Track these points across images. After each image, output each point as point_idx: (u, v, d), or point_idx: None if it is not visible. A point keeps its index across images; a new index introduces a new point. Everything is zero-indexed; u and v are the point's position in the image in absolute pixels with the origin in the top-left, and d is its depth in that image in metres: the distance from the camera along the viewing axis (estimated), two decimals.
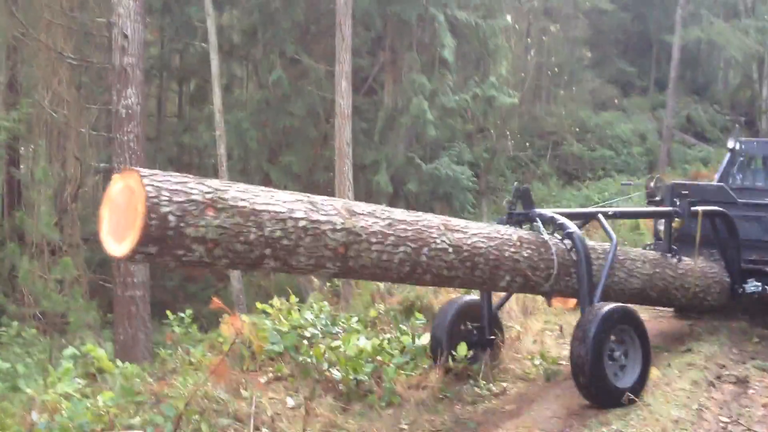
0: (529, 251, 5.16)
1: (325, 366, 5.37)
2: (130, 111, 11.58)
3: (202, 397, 4.50)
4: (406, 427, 4.80)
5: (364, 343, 5.79)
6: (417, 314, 6.78)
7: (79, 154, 14.56)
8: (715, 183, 8.54)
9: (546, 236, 5.38)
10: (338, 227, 4.04)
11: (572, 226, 5.42)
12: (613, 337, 4.96)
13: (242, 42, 18.33)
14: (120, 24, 11.51)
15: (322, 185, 15.98)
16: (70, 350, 5.45)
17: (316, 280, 9.31)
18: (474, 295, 6.06)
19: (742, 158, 8.95)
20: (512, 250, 5.06)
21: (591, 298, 5.18)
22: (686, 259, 6.71)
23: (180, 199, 3.43)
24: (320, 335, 6.07)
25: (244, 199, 3.69)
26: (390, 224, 4.35)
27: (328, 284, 9.88)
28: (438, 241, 4.57)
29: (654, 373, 5.45)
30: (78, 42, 15.34)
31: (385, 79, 17.95)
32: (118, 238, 3.42)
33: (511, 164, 25.42)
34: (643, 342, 5.16)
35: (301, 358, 5.46)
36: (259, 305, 6.63)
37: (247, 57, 19.59)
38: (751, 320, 7.45)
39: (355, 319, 6.88)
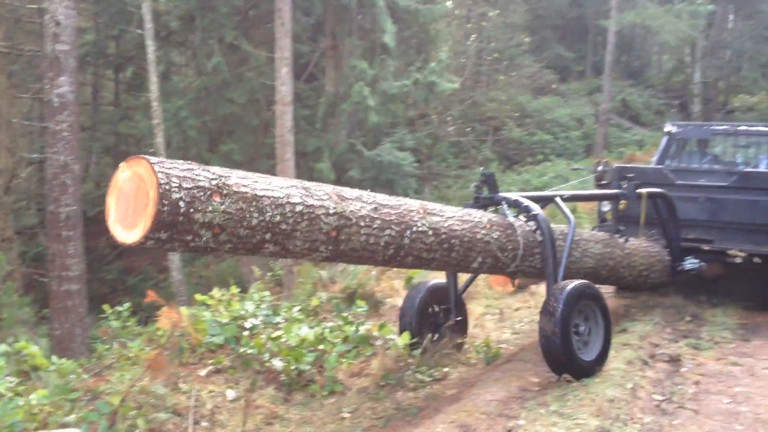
0: (497, 233, 5.35)
1: (266, 357, 5.34)
2: (63, 100, 11.29)
3: (139, 392, 4.43)
4: (347, 415, 4.82)
5: (306, 332, 5.77)
6: (359, 302, 6.79)
7: (10, 145, 14.11)
8: (654, 166, 8.90)
9: (511, 218, 5.59)
10: (331, 211, 4.16)
11: (537, 209, 5.62)
12: (577, 313, 5.18)
13: (180, 28, 17.95)
14: (52, 10, 11.19)
15: (264, 173, 15.79)
16: (1, 348, 5.29)
17: (257, 269, 9.23)
18: (439, 279, 6.20)
19: (677, 141, 9.30)
20: (483, 232, 5.25)
21: (555, 276, 5.40)
22: (632, 239, 7.01)
23: (188, 186, 3.51)
24: (261, 325, 6.03)
25: (245, 185, 3.80)
26: (375, 208, 4.49)
27: (269, 273, 9.81)
28: (419, 224, 4.73)
29: None
30: (8, 29, 14.86)
31: (327, 66, 17.84)
32: (128, 225, 3.50)
33: (453, 149, 25.59)
34: (604, 316, 5.41)
35: (241, 350, 5.41)
36: (198, 297, 6.56)
37: (185, 43, 19.20)
38: (685, 298, 7.71)
39: (297, 308, 6.84)
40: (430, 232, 4.80)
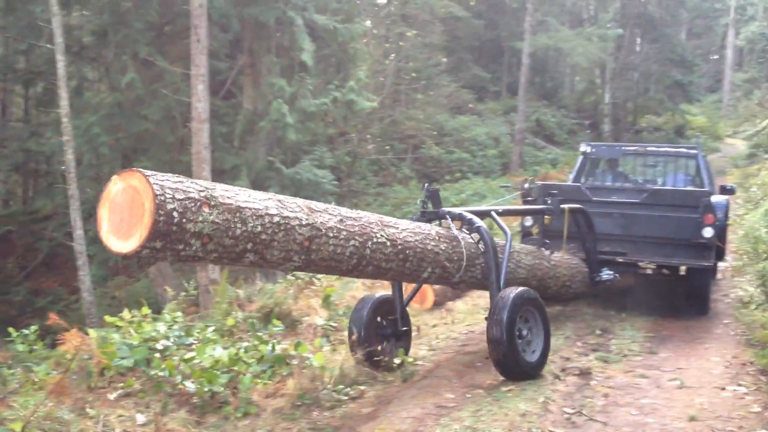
0: (444, 245, 5.68)
1: (179, 379, 5.22)
2: None
3: (43, 418, 4.26)
4: None
5: (220, 353, 5.68)
6: (275, 321, 6.73)
7: None
8: (573, 183, 9.50)
9: (455, 231, 5.92)
10: (304, 222, 4.41)
11: (480, 222, 5.97)
12: (520, 318, 5.55)
13: (92, 43, 17.48)
14: None
15: None
16: None
17: (170, 290, 9.03)
18: (384, 292, 6.52)
19: (591, 160, 10.10)
20: (433, 243, 5.57)
21: (498, 284, 5.72)
22: (556, 253, 7.51)
23: (181, 197, 3.72)
24: (174, 347, 5.91)
25: (229, 198, 4.03)
26: (341, 220, 4.77)
27: (183, 293, 9.62)
28: (378, 235, 5.04)
29: None
30: None
31: (245, 83, 17.66)
32: (122, 236, 3.66)
33: (373, 167, 25.71)
34: (544, 320, 5.76)
35: (152, 372, 5.28)
36: (108, 318, 6.37)
37: (97, 59, 18.72)
38: (596, 312, 7.97)
39: (212, 328, 6.73)
40: (388, 243, 5.10)
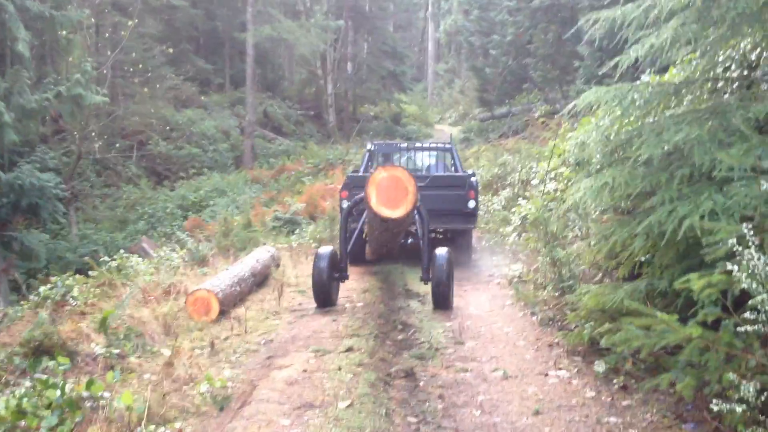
0: None
1: None
2: None
3: None
4: None
5: None
6: (60, 358, 5.72)
7: None
8: (364, 174, 11.47)
9: None
10: None
11: None
12: None
13: None
14: None
15: None
16: None
17: None
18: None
19: (373, 155, 12.46)
20: None
21: None
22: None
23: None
24: None
25: None
26: None
27: None
28: None
29: (334, 383, 5.36)
30: None
31: None
32: (391, 206, 6.47)
33: (96, 167, 23.70)
34: None
35: None
36: None
37: None
38: (388, 305, 8.01)
39: None
40: None
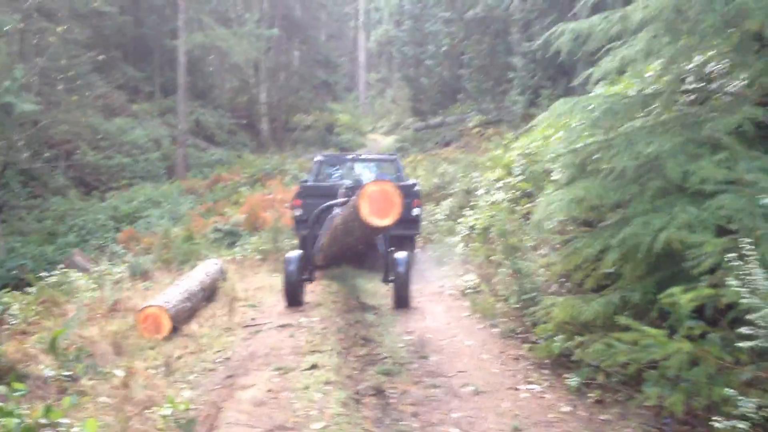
0: None
1: None
2: None
3: None
4: None
5: None
6: (15, 384, 5.37)
7: None
8: (317, 183, 12.50)
9: None
10: None
11: None
12: None
13: None
14: None
15: None
16: None
17: None
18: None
19: (321, 165, 13.09)
20: None
21: None
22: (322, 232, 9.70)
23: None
24: None
25: None
26: None
27: None
28: None
29: (303, 403, 5.20)
30: None
31: None
32: (381, 216, 6.93)
33: (21, 178, 22.71)
34: None
35: None
36: None
37: None
38: (345, 319, 7.91)
39: None
40: None
